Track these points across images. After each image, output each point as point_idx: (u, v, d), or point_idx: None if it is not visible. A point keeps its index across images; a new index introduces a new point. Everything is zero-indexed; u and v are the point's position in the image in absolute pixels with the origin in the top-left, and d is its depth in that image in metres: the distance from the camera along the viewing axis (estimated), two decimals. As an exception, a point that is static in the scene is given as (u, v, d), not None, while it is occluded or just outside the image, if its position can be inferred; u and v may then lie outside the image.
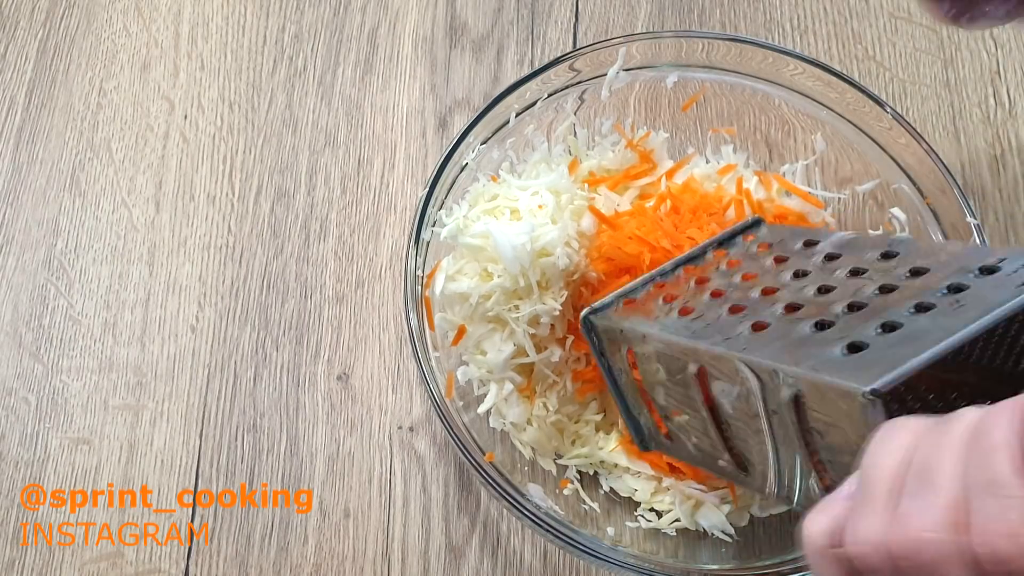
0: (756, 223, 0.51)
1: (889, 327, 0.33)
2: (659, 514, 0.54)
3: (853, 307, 0.36)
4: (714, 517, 0.52)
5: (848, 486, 0.30)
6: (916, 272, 0.37)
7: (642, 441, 0.51)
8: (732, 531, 0.53)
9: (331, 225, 0.64)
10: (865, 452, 0.29)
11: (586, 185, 0.57)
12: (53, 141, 0.67)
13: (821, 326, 0.36)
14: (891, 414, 0.29)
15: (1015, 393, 0.32)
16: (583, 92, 0.58)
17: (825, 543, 0.29)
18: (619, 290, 0.50)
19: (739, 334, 0.39)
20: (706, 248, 0.51)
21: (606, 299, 0.49)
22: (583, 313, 0.49)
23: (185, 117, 0.67)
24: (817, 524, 0.30)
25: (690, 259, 0.50)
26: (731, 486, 0.52)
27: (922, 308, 0.34)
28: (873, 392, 0.29)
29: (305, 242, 0.63)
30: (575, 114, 0.59)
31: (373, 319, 0.61)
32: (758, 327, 0.39)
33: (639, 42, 0.56)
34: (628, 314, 0.48)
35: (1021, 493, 0.23)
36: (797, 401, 0.35)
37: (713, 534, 0.53)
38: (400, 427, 0.59)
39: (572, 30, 0.69)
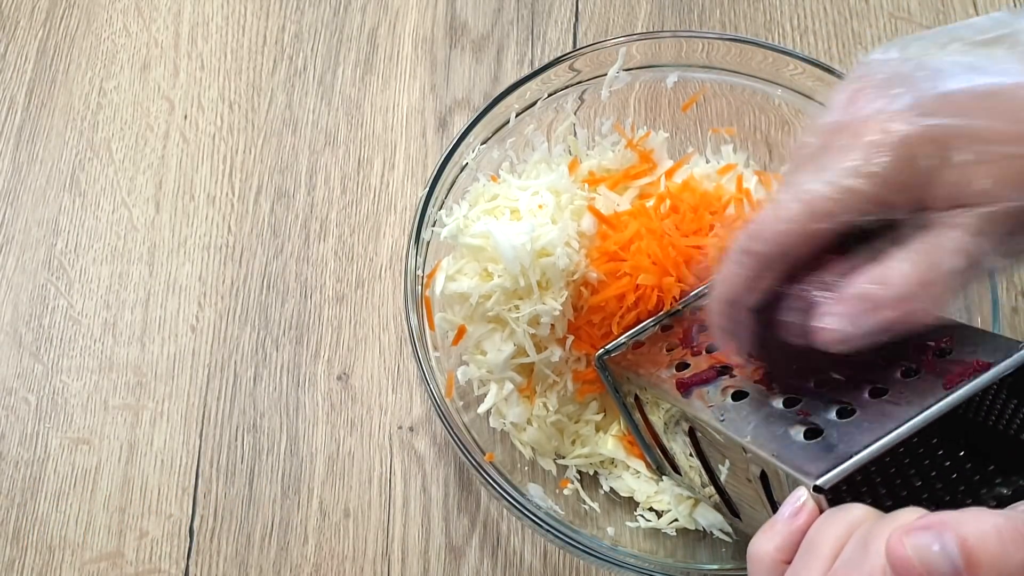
0: None
1: (847, 412, 0.37)
2: (658, 514, 0.54)
3: (819, 384, 0.40)
4: (712, 516, 0.53)
5: (786, 508, 0.34)
6: (880, 347, 0.41)
7: (659, 468, 0.53)
8: (731, 531, 0.53)
9: (331, 225, 0.64)
10: (813, 524, 0.33)
11: (586, 185, 0.57)
12: (53, 141, 0.67)
13: (789, 403, 0.39)
14: (836, 500, 0.34)
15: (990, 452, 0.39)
16: (583, 92, 0.58)
17: (770, 559, 0.33)
18: (630, 332, 0.52)
19: (723, 401, 0.42)
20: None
21: (619, 340, 0.52)
22: (597, 354, 0.52)
23: (185, 117, 0.67)
24: (761, 544, 0.34)
25: (698, 296, 0.52)
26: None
27: (877, 392, 0.37)
28: (816, 488, 0.34)
29: (305, 242, 0.63)
30: (575, 114, 0.59)
31: (373, 319, 0.61)
32: (738, 396, 0.42)
33: (639, 42, 0.56)
34: (636, 360, 0.51)
35: None
36: (764, 475, 0.38)
37: (712, 534, 0.53)
38: (400, 427, 0.59)
39: (572, 30, 0.69)
